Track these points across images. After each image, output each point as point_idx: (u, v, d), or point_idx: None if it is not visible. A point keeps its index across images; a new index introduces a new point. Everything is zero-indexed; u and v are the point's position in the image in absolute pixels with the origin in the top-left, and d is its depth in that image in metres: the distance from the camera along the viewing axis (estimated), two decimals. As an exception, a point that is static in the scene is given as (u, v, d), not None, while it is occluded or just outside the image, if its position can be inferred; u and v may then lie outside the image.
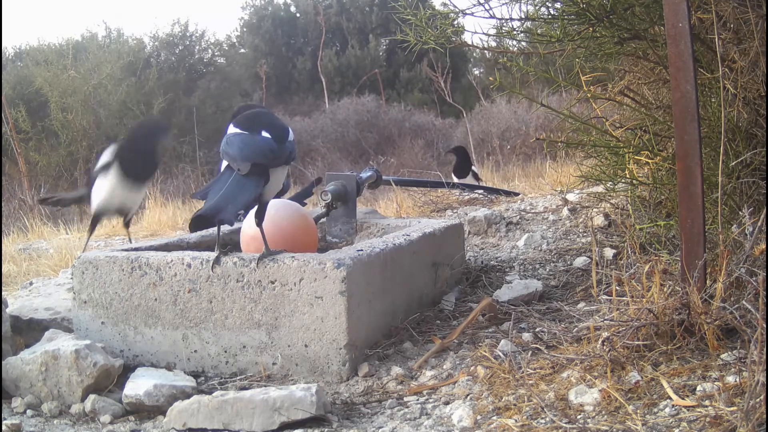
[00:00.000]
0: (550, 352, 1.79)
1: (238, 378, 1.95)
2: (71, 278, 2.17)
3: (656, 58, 2.39)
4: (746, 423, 1.24)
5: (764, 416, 1.23)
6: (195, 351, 2.01)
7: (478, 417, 1.57)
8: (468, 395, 1.71)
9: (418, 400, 1.76)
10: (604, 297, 2.01)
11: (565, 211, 3.43)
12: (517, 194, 4.44)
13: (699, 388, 1.47)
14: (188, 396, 1.74)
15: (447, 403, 1.70)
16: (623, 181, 2.61)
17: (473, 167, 5.12)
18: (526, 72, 2.63)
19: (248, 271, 1.96)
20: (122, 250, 2.21)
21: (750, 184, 2.06)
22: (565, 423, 1.43)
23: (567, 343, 1.83)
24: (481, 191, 4.43)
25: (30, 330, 2.23)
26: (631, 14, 2.31)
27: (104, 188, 3.07)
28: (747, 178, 2.06)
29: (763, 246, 1.59)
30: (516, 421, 1.49)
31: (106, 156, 3.07)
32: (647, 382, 1.53)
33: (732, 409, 1.33)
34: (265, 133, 1.93)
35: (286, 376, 1.93)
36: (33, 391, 1.84)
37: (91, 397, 1.79)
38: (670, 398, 1.45)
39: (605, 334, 1.67)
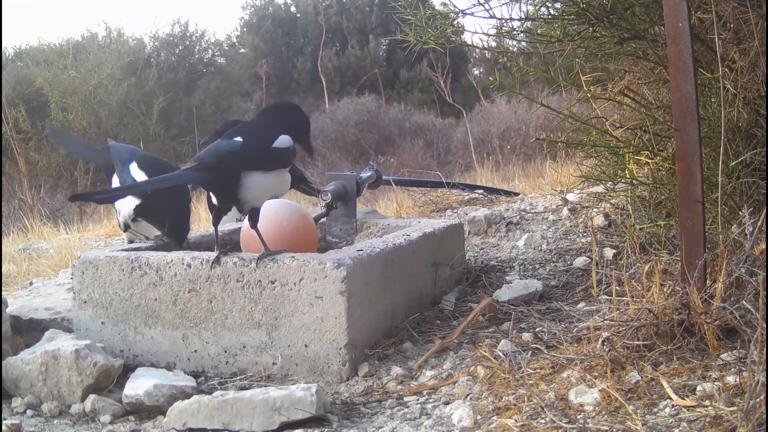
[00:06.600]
0: (550, 352, 1.79)
1: (238, 378, 1.95)
2: (71, 278, 2.16)
3: (656, 58, 2.39)
4: (746, 423, 1.24)
5: (764, 416, 1.23)
6: (195, 351, 2.01)
7: (478, 417, 1.57)
8: (468, 395, 1.71)
9: (418, 400, 1.76)
10: (604, 297, 2.01)
11: (565, 211, 3.43)
12: (517, 194, 4.43)
13: (699, 388, 1.47)
14: (188, 396, 1.74)
15: (447, 403, 1.70)
16: (623, 181, 2.61)
17: None
18: (526, 72, 2.63)
19: (248, 271, 1.96)
20: (122, 250, 2.21)
21: (750, 184, 2.06)
22: (565, 423, 1.43)
23: (567, 343, 1.83)
24: (481, 191, 4.42)
25: (30, 330, 2.23)
26: (631, 14, 2.31)
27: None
28: (747, 178, 2.06)
29: (763, 246, 1.59)
30: (516, 421, 1.49)
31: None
32: (647, 382, 1.53)
33: (732, 409, 1.33)
34: (237, 138, 1.95)
35: (286, 376, 1.93)
36: (33, 391, 1.84)
37: (91, 397, 1.79)
38: (670, 398, 1.45)
39: (605, 334, 1.67)
